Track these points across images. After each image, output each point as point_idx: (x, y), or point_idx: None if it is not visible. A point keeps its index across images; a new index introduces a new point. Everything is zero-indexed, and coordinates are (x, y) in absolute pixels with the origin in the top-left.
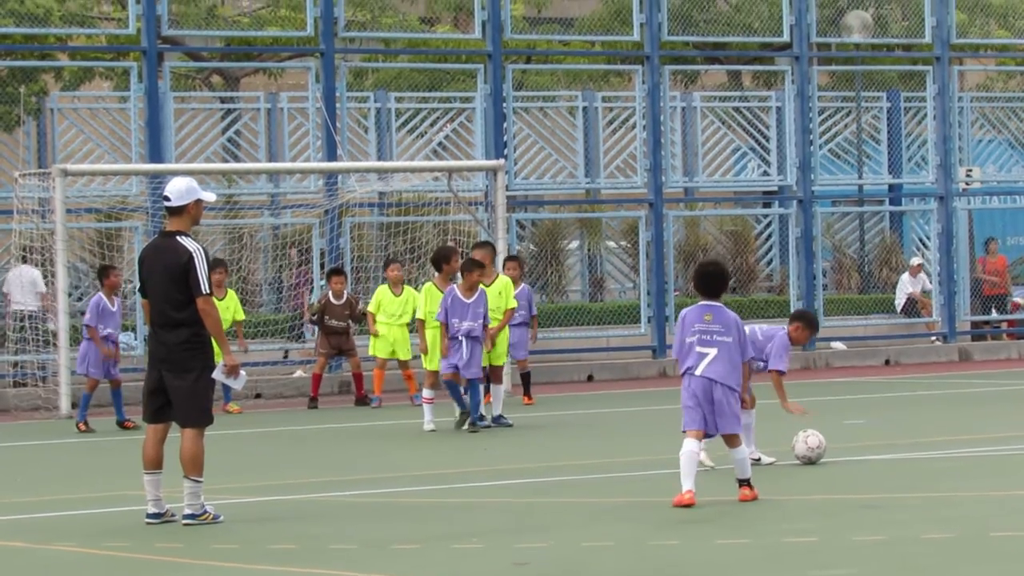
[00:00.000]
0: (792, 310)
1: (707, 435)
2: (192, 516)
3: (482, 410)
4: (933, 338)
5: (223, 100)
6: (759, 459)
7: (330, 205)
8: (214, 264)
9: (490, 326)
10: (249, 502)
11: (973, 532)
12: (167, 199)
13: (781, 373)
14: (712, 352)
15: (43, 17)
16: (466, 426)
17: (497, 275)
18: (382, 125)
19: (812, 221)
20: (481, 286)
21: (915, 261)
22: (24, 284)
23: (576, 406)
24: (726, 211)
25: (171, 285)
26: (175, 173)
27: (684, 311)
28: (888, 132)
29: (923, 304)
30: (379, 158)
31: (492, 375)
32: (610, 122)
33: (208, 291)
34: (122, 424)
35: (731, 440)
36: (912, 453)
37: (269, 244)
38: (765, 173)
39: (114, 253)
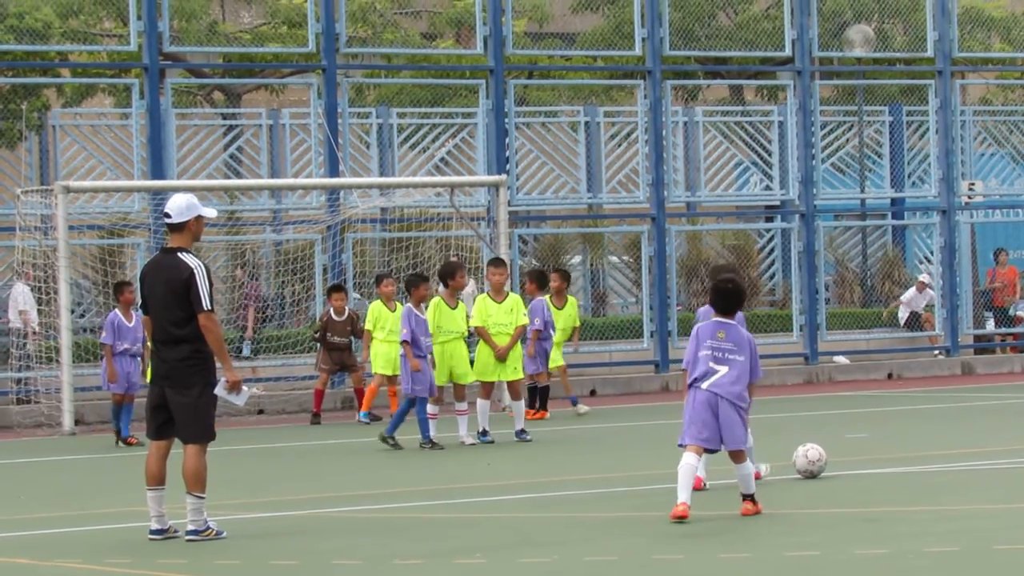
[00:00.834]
0: (795, 325)
1: (709, 451)
2: (195, 532)
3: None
4: (936, 352)
5: (225, 116)
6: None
7: (332, 221)
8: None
9: (501, 343)
10: (252, 518)
11: (976, 546)
12: (168, 216)
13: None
14: (723, 370)
15: (42, 32)
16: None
17: (507, 293)
18: (384, 141)
19: (814, 235)
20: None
21: (923, 278)
22: (12, 300)
23: (579, 421)
24: (728, 225)
25: (172, 301)
26: (177, 189)
27: (697, 326)
28: (890, 146)
29: (926, 319)
30: (381, 174)
31: (510, 391)
32: (612, 137)
33: (210, 307)
34: (125, 440)
35: (736, 456)
36: (914, 466)
37: (271, 260)
38: (767, 187)
39: (116, 270)
